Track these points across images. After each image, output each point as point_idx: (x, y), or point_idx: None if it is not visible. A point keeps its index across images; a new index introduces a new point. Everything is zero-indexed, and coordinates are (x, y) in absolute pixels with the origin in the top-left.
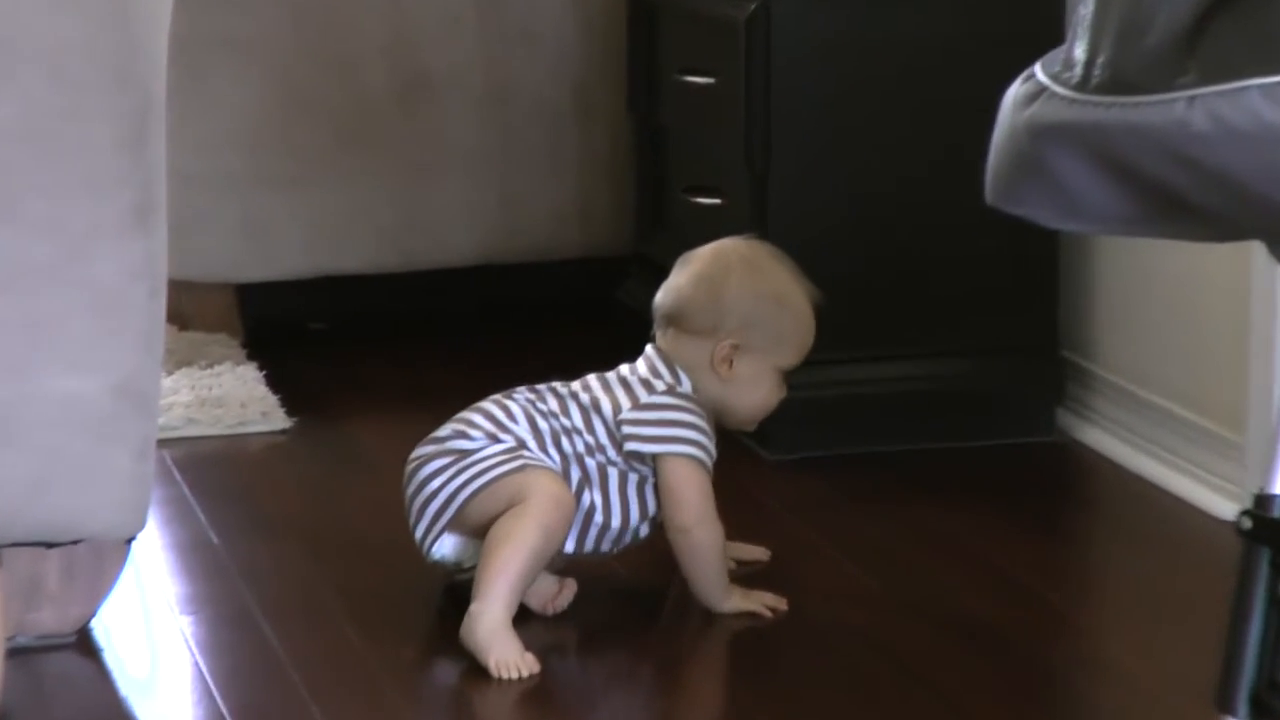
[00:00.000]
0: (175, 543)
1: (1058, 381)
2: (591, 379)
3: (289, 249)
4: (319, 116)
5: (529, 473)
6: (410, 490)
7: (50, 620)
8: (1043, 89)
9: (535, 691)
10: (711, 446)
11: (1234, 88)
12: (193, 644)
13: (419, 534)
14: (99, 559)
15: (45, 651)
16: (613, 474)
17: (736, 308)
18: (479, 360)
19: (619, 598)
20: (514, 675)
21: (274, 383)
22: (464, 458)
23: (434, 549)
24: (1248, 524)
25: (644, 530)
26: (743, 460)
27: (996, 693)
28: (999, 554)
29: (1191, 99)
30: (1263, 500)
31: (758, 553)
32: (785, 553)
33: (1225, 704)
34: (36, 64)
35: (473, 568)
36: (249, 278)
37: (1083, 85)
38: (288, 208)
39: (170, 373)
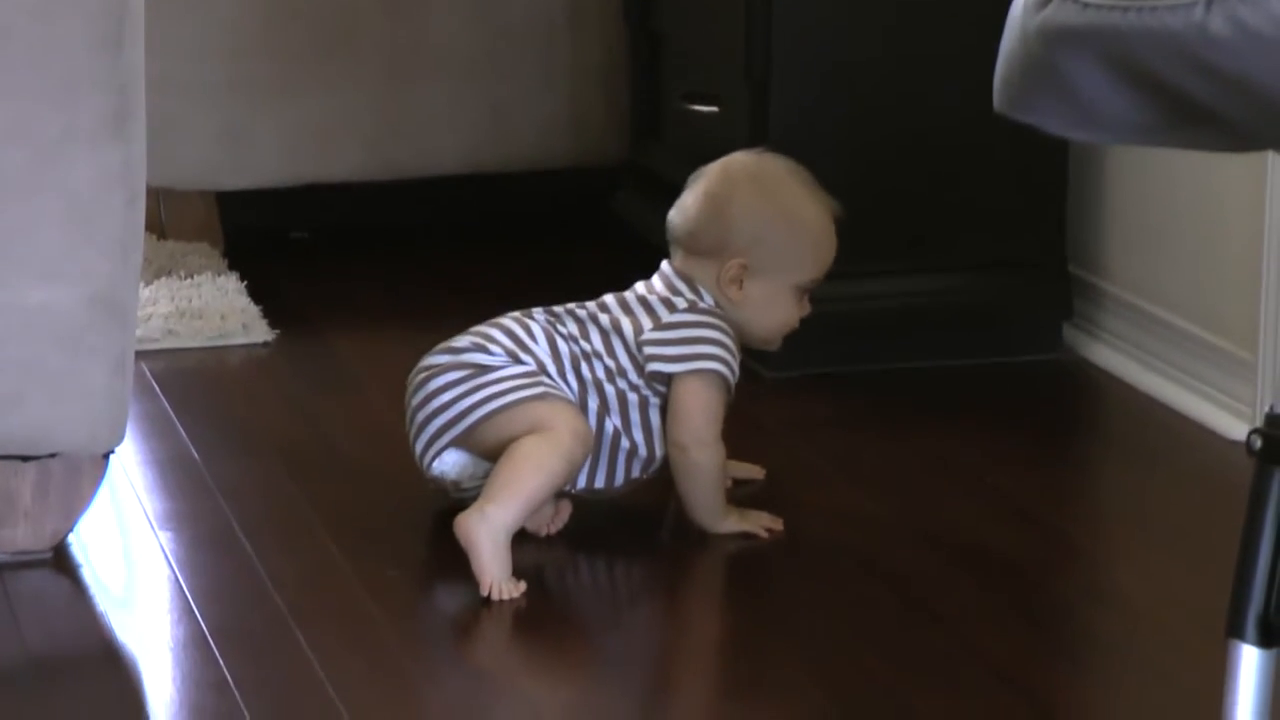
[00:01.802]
0: (154, 458)
1: (1065, 297)
2: (609, 299)
3: (270, 156)
4: (301, 20)
5: (551, 402)
6: (417, 400)
7: (25, 536)
8: None
9: (525, 614)
10: (735, 364)
11: None
12: (172, 561)
13: (420, 447)
14: (75, 474)
15: (20, 568)
16: (633, 400)
17: (742, 226)
18: (466, 272)
19: (615, 519)
20: (503, 597)
21: (255, 294)
22: (482, 373)
23: (435, 464)
24: (1259, 443)
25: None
26: (742, 377)
27: (999, 619)
28: (1003, 476)
29: (1210, 3)
30: (1275, 419)
31: (754, 471)
32: (783, 473)
33: (1235, 628)
34: None
35: (473, 488)
36: (229, 185)
37: None
38: (269, 114)
39: (148, 283)
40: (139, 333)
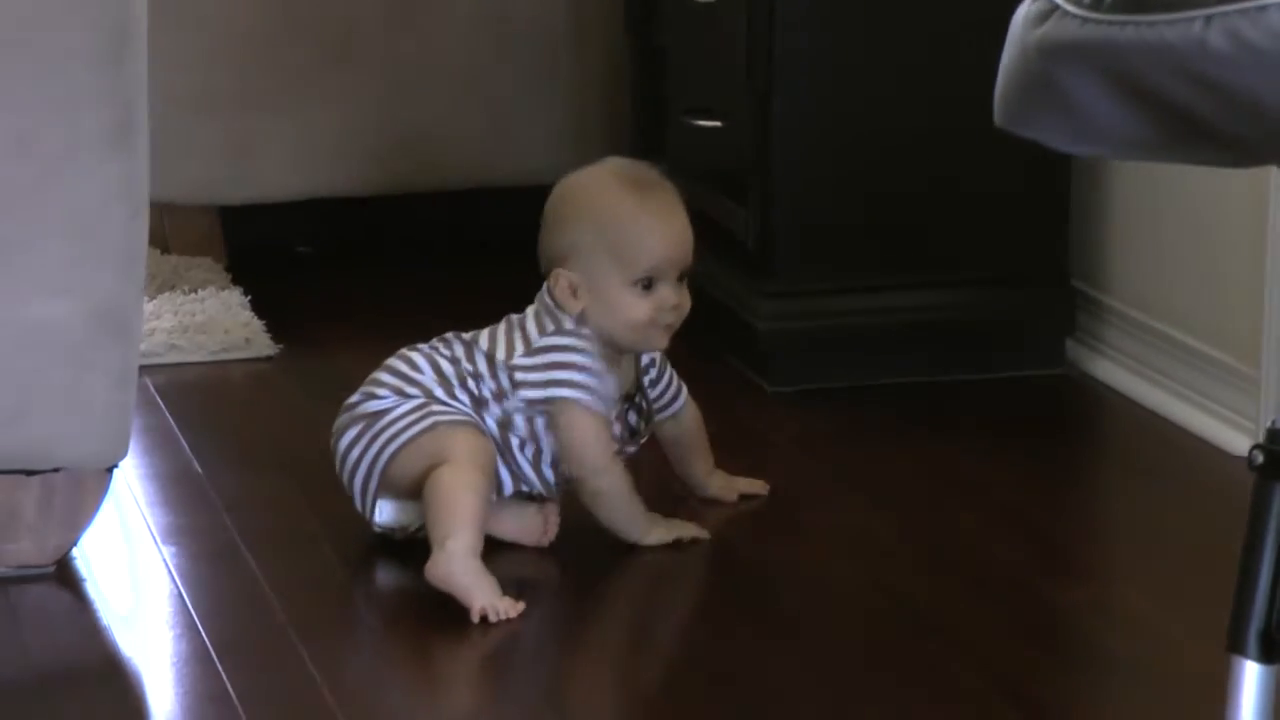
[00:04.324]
0: (157, 472)
1: (1068, 312)
2: (496, 326)
3: (274, 170)
4: (305, 32)
5: (441, 430)
6: (336, 465)
7: (29, 550)
8: (1054, 7)
9: (521, 630)
10: (600, 384)
11: (1254, 5)
12: (175, 575)
13: (357, 505)
14: (79, 488)
15: (24, 582)
16: (520, 419)
17: (557, 239)
18: (469, 286)
19: (601, 531)
20: (501, 618)
21: (259, 308)
22: (375, 421)
23: (376, 516)
24: (1260, 458)
25: None
26: (744, 392)
27: (1002, 633)
28: (1006, 491)
29: (1209, 17)
30: (1276, 434)
31: (757, 486)
32: (788, 488)
33: (1236, 642)
34: None
35: (420, 527)
36: (233, 200)
37: (1096, 3)
38: (273, 127)
39: (152, 298)
40: (142, 347)
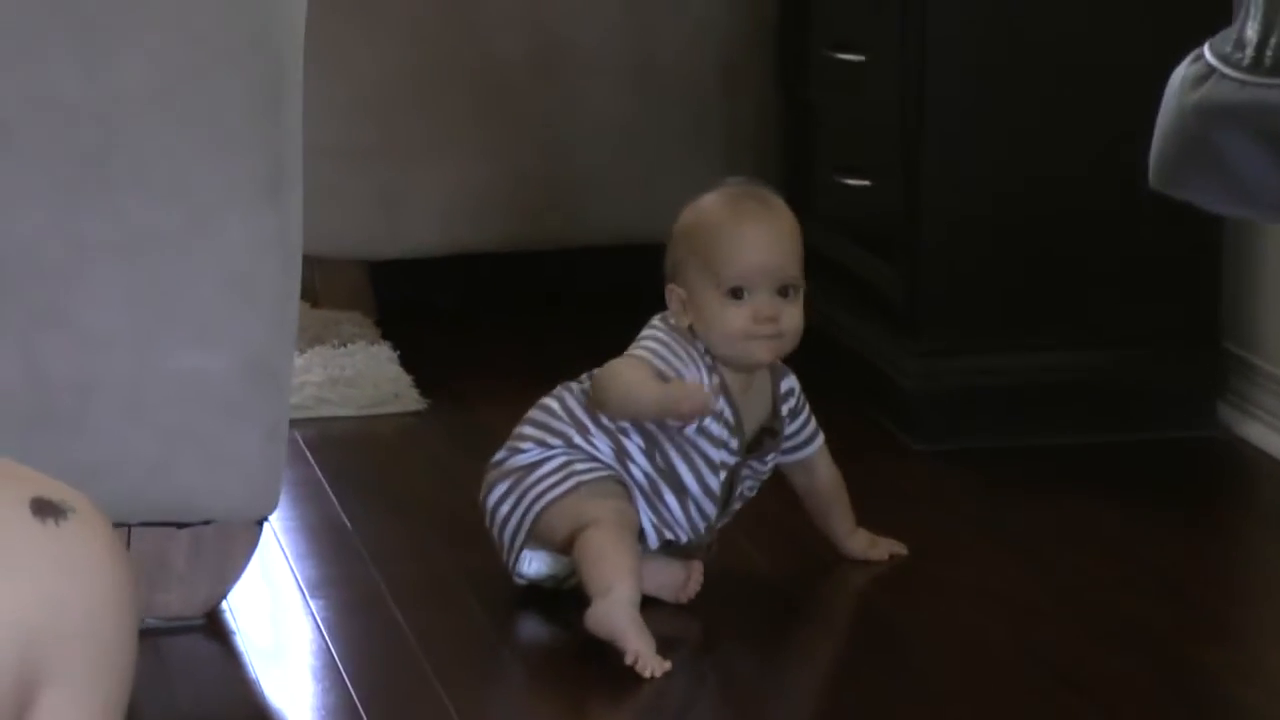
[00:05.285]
0: (306, 524)
1: (1220, 374)
2: None
3: (423, 225)
4: (454, 86)
5: (584, 491)
6: (486, 520)
7: (178, 602)
8: (1212, 70)
9: (665, 687)
10: (668, 356)
11: None
12: (322, 626)
13: (504, 558)
14: (228, 540)
15: (173, 633)
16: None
17: (669, 258)
18: (613, 340)
19: (748, 584)
20: (649, 673)
21: (407, 363)
22: (523, 477)
23: (524, 568)
24: None
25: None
26: (890, 449)
27: (1148, 696)
28: (1154, 552)
29: None
30: None
31: (898, 547)
32: (931, 545)
33: None
34: (166, 23)
35: (569, 576)
36: (382, 255)
37: (1255, 67)
38: (421, 182)
39: (302, 351)
40: (292, 400)
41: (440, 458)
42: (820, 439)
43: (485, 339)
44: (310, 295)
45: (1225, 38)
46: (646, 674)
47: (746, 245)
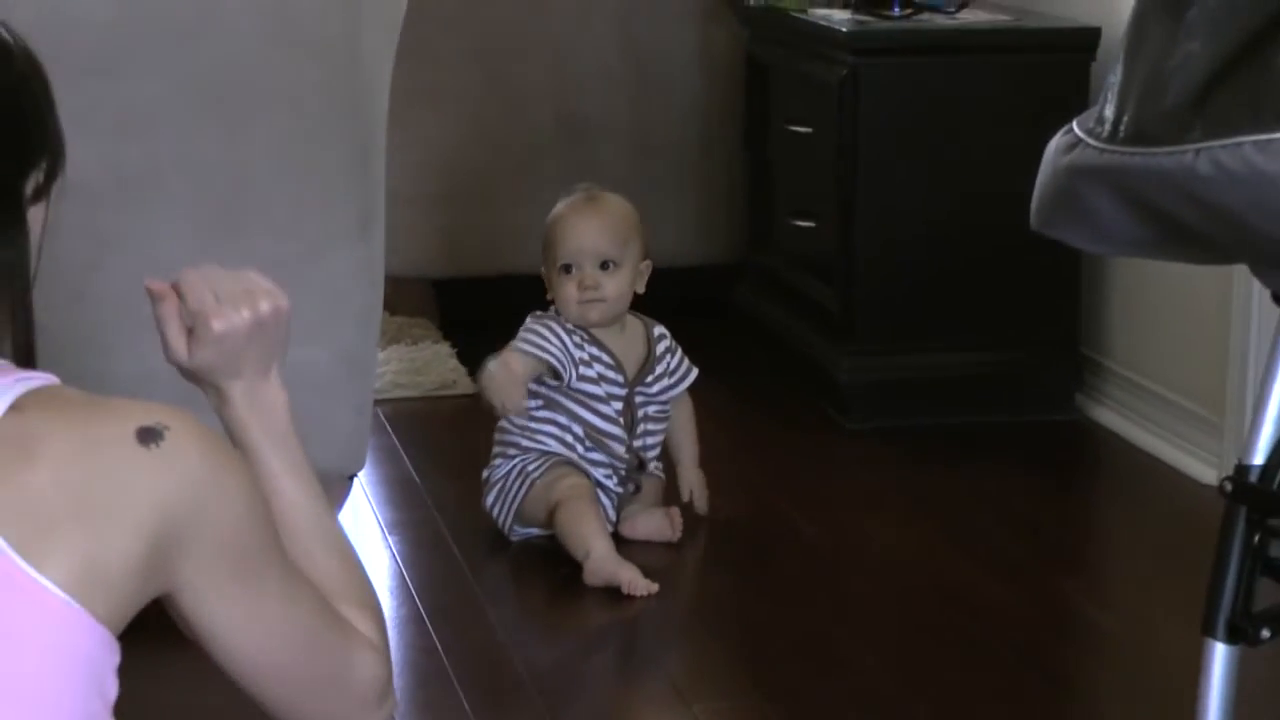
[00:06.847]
0: (385, 479)
1: (1077, 371)
2: None
3: (474, 253)
4: (498, 149)
5: (539, 486)
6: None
7: None
8: (1079, 140)
9: (653, 602)
10: (540, 342)
11: (1232, 142)
12: (397, 557)
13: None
14: (327, 489)
15: None
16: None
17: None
18: None
19: (718, 528)
20: (641, 593)
21: (463, 357)
22: (498, 486)
23: (515, 535)
24: (1229, 487)
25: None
26: (828, 429)
27: (1019, 613)
28: (1027, 506)
29: (1198, 150)
30: (1241, 469)
31: (699, 507)
32: (860, 501)
33: (1209, 628)
34: (282, 99)
35: (552, 535)
36: (442, 275)
37: (1111, 138)
38: (473, 220)
39: (383, 348)
40: (376, 385)
41: (488, 429)
42: (692, 376)
43: None
44: (389, 305)
45: (1089, 115)
46: (640, 594)
47: (571, 231)
